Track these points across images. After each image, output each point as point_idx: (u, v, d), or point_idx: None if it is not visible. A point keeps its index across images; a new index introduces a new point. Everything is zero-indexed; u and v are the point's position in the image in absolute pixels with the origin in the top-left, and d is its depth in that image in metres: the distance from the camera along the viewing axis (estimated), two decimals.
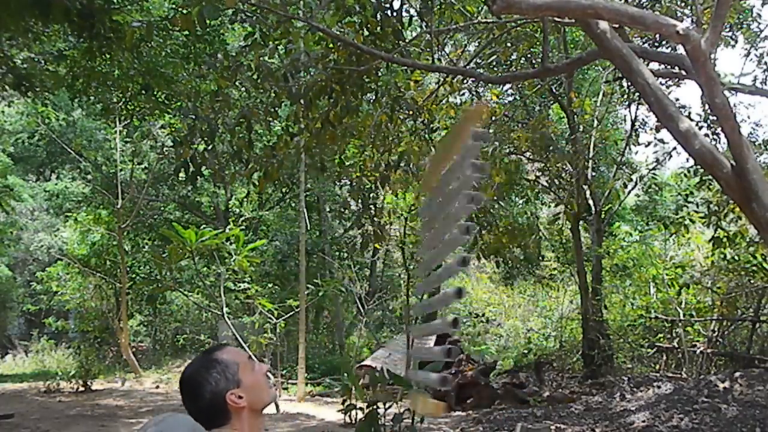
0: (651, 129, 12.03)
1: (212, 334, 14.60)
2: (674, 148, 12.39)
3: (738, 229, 8.60)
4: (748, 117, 29.97)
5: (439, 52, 8.58)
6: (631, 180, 12.80)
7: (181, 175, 5.95)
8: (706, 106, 9.66)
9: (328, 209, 16.11)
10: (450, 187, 1.52)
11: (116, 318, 14.13)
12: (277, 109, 6.37)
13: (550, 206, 15.61)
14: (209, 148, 6.05)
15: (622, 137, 13.86)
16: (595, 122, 12.08)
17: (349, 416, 7.37)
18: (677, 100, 12.78)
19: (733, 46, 10.33)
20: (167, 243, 12.86)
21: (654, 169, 13.08)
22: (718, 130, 8.80)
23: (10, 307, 20.11)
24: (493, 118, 10.59)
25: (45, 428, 7.84)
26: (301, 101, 5.92)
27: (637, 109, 11.96)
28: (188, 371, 1.91)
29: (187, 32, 7.57)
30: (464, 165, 1.45)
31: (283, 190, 15.53)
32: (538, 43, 8.73)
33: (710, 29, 3.21)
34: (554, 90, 11.41)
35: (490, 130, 10.84)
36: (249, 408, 1.84)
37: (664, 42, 9.40)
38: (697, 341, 10.04)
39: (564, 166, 11.37)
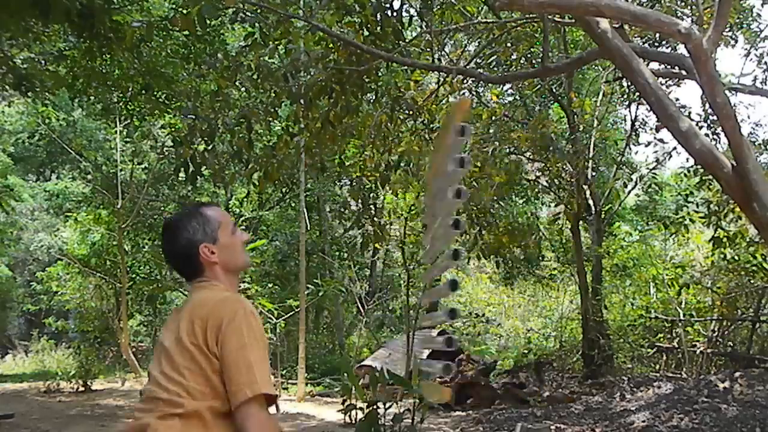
0: (651, 129, 12.03)
1: None
2: (674, 148, 12.40)
3: (738, 229, 8.59)
4: (748, 117, 29.98)
5: (439, 52, 8.59)
6: (631, 180, 12.80)
7: (181, 175, 5.95)
8: (707, 106, 9.67)
9: (328, 209, 16.11)
10: (439, 183, 1.54)
11: (116, 318, 14.12)
12: (277, 109, 6.37)
13: (550, 206, 15.60)
14: (209, 148, 6.05)
15: (622, 137, 13.86)
16: (595, 122, 12.08)
17: (349, 416, 7.36)
18: (677, 100, 12.77)
19: (733, 46, 10.33)
20: None
21: (654, 169, 13.08)
22: (719, 129, 8.80)
23: (10, 307, 20.10)
24: (493, 118, 10.59)
25: (45, 428, 7.83)
26: (301, 101, 5.92)
27: (637, 109, 11.97)
28: (172, 216, 2.02)
29: (187, 32, 7.57)
30: (449, 160, 1.46)
31: (283, 190, 15.51)
32: (538, 43, 8.73)
33: (712, 28, 3.21)
34: (554, 90, 11.41)
35: (491, 130, 10.85)
36: (222, 266, 1.93)
37: (664, 42, 9.40)
38: (697, 341, 10.03)
39: (564, 166, 11.37)
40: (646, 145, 18.77)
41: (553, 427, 6.76)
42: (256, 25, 5.61)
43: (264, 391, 1.71)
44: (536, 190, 12.53)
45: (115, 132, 13.11)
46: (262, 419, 1.71)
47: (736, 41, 10.35)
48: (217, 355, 1.75)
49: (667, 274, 10.64)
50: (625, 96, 11.57)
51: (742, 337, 10.31)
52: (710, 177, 7.32)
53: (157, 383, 1.80)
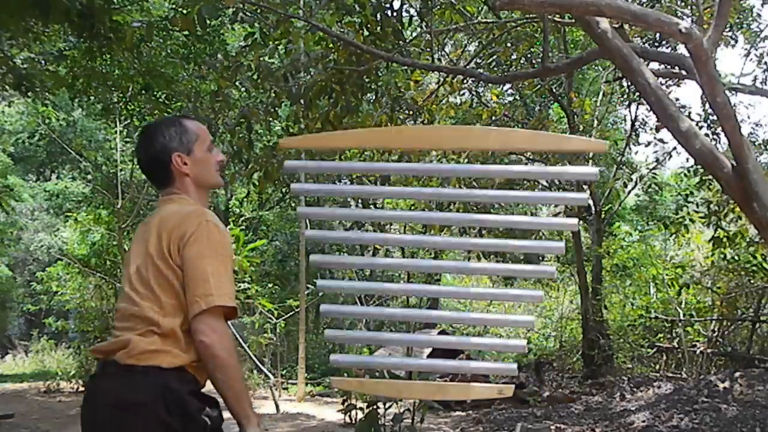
0: (651, 129, 12.02)
1: None
2: (674, 148, 12.38)
3: (738, 229, 8.59)
4: (748, 117, 29.93)
5: (439, 52, 8.59)
6: (631, 180, 12.80)
7: None
8: (707, 106, 9.67)
9: (328, 208, 16.09)
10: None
11: None
12: (277, 109, 6.37)
13: (550, 206, 15.60)
14: None
15: (622, 137, 13.85)
16: (595, 122, 12.07)
17: (349, 416, 7.37)
18: (677, 100, 12.77)
19: (733, 46, 10.34)
20: None
21: (654, 169, 13.08)
22: (719, 129, 8.80)
23: (10, 307, 20.09)
24: (493, 118, 10.58)
25: (45, 428, 7.83)
26: (301, 101, 5.92)
27: (637, 109, 11.96)
28: (151, 122, 2.02)
29: (187, 32, 7.57)
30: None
31: (283, 190, 15.50)
32: (538, 43, 8.72)
33: (712, 28, 3.21)
34: (554, 90, 11.41)
35: None
36: (193, 180, 1.92)
37: (664, 42, 9.40)
38: (697, 341, 10.03)
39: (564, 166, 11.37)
40: (646, 145, 18.76)
41: (553, 427, 6.76)
42: (256, 25, 5.61)
43: (218, 303, 1.70)
44: (536, 190, 12.53)
45: (115, 132, 13.10)
46: (216, 328, 1.70)
47: (736, 41, 10.35)
48: (180, 267, 1.75)
49: (667, 274, 10.63)
50: (625, 96, 11.57)
51: (742, 337, 10.31)
52: (710, 177, 7.31)
53: (131, 300, 1.80)
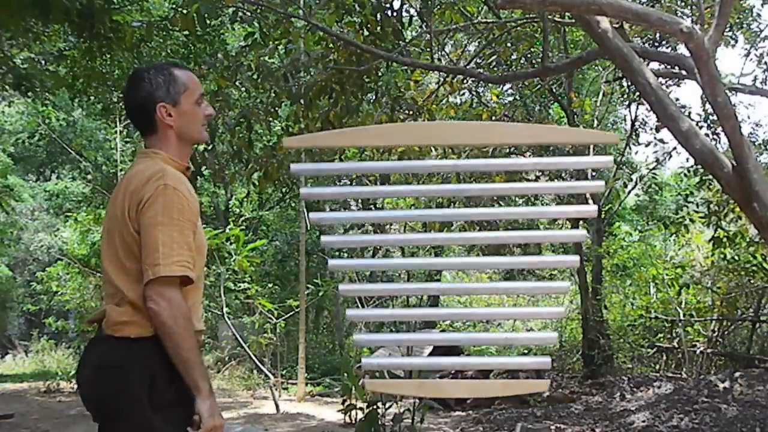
0: (651, 129, 12.03)
1: (212, 334, 14.59)
2: (674, 148, 12.39)
3: (738, 229, 8.59)
4: (748, 117, 29.96)
5: (439, 52, 8.58)
6: (631, 180, 12.80)
7: None
8: (707, 106, 9.67)
9: (328, 209, 16.10)
10: None
11: None
12: (277, 109, 6.37)
13: (550, 206, 15.59)
14: (209, 148, 6.05)
15: (622, 137, 13.85)
16: (595, 122, 12.07)
17: (349, 416, 7.36)
18: (677, 100, 12.77)
19: (733, 46, 10.34)
20: None
21: (654, 169, 13.08)
22: (719, 129, 8.80)
23: (10, 307, 20.08)
24: (493, 118, 10.58)
25: (45, 428, 7.82)
26: (301, 101, 5.92)
27: (637, 109, 11.95)
28: (142, 67, 1.98)
29: (187, 32, 7.57)
30: None
31: (283, 190, 15.50)
32: (538, 43, 8.72)
33: (713, 28, 3.21)
34: (554, 90, 11.40)
35: None
36: (176, 133, 1.87)
37: (664, 42, 9.40)
38: (697, 341, 10.03)
39: None
40: (646, 145, 18.75)
41: (553, 427, 6.76)
42: (256, 24, 5.61)
43: (164, 274, 1.68)
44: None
45: (115, 132, 13.11)
46: (165, 295, 1.69)
47: (736, 41, 10.35)
48: (138, 232, 1.74)
49: (667, 274, 10.63)
50: (625, 96, 11.57)
51: (742, 337, 10.31)
52: (710, 177, 7.31)
53: (104, 267, 1.83)
